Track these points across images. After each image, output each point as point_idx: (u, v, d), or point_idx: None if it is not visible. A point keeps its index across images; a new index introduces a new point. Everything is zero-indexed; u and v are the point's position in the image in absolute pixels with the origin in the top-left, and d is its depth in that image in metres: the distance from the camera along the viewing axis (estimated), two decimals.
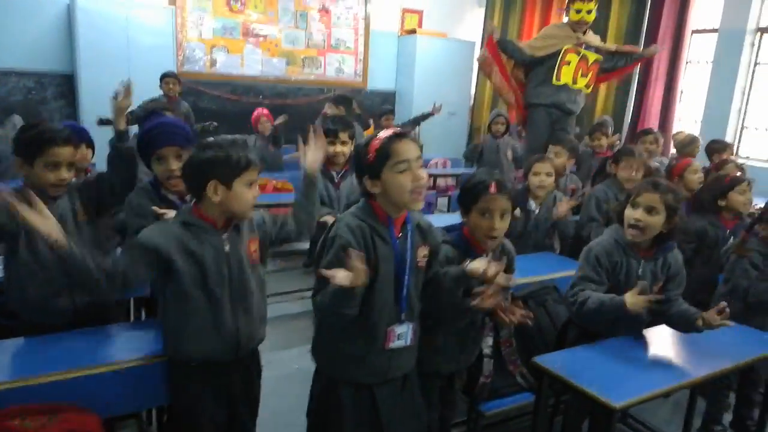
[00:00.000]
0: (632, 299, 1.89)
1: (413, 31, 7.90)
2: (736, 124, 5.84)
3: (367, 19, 7.80)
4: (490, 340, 2.18)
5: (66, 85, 6.08)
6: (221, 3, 6.79)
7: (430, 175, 5.79)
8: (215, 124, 5.37)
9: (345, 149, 3.03)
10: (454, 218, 2.36)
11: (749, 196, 2.74)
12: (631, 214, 2.02)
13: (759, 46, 5.65)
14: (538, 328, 2.32)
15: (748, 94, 5.76)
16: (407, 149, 1.57)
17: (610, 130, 4.69)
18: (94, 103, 5.85)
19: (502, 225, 1.79)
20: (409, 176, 1.55)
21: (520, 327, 2.25)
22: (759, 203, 4.50)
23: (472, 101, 8.70)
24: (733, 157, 4.35)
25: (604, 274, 2.06)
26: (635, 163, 3.03)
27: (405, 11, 8.09)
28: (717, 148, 4.33)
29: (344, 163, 3.11)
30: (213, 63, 6.90)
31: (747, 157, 5.77)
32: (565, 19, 4.12)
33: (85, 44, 5.73)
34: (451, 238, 1.88)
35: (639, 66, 4.67)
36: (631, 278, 2.07)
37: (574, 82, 3.84)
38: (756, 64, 5.69)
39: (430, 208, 4.24)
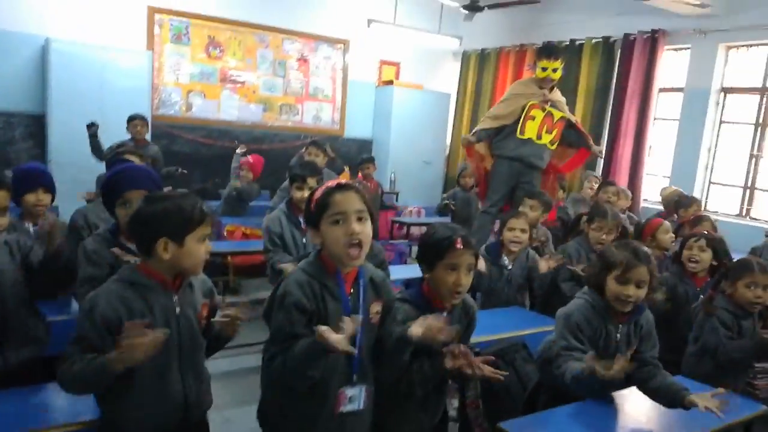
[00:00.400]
0: (610, 372, 1.78)
1: (390, 82, 8.03)
2: (704, 180, 5.97)
3: (345, 69, 7.92)
4: (455, 402, 2.09)
5: (35, 125, 5.98)
6: (199, 49, 6.84)
7: (404, 224, 5.76)
8: (184, 171, 5.28)
9: None
10: None
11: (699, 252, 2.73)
12: (622, 290, 1.95)
13: (723, 105, 5.85)
14: (506, 389, 2.24)
15: (714, 151, 5.92)
16: (345, 201, 1.52)
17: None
18: (63, 144, 5.76)
19: (467, 280, 1.74)
20: (342, 229, 1.49)
21: (488, 388, 2.19)
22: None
23: (447, 151, 8.80)
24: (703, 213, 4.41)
25: (586, 342, 1.99)
26: (606, 226, 3.00)
27: (383, 63, 8.24)
28: (685, 203, 4.39)
29: None
30: (189, 107, 6.89)
31: (716, 212, 5.88)
32: (531, 75, 4.22)
33: (58, 85, 5.67)
34: (409, 296, 1.81)
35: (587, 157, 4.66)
36: (610, 343, 2.00)
37: (539, 137, 3.87)
38: (721, 122, 5.88)
39: (402, 257, 4.18)
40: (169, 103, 6.77)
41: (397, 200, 7.56)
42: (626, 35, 6.32)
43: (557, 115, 3.94)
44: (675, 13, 5.63)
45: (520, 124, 3.84)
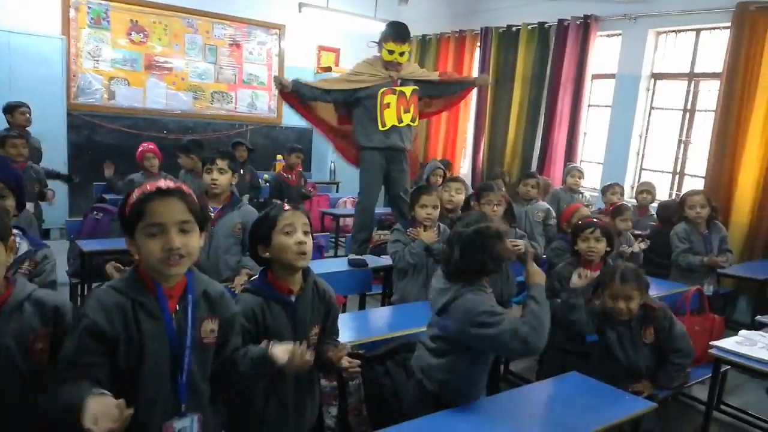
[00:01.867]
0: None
1: (329, 69, 7.81)
2: (635, 166, 5.99)
3: (281, 55, 7.67)
4: (334, 410, 1.95)
5: None
6: (121, 34, 6.48)
7: (334, 216, 5.57)
8: (76, 179, 5.06)
9: (223, 179, 2.84)
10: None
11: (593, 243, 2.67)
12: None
13: (653, 92, 5.87)
14: (394, 392, 2.11)
15: (645, 137, 5.94)
16: (165, 211, 1.32)
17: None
18: None
19: (308, 239, 1.71)
20: (159, 243, 1.30)
21: (373, 392, 2.05)
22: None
23: None
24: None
25: None
26: (495, 198, 3.03)
27: (321, 49, 8.01)
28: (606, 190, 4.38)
29: (223, 196, 2.87)
30: (111, 95, 6.53)
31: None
32: (376, 54, 3.98)
33: None
34: (253, 286, 1.71)
35: (470, 93, 4.65)
36: None
37: (400, 121, 3.80)
38: (651, 108, 5.90)
39: (320, 251, 4.00)
40: (88, 91, 6.41)
41: (337, 191, 7.39)
42: (560, 21, 6.26)
43: (408, 91, 3.82)
44: None
45: (378, 116, 3.73)
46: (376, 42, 3.80)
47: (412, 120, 3.88)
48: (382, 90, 3.72)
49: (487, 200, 3.00)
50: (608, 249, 2.64)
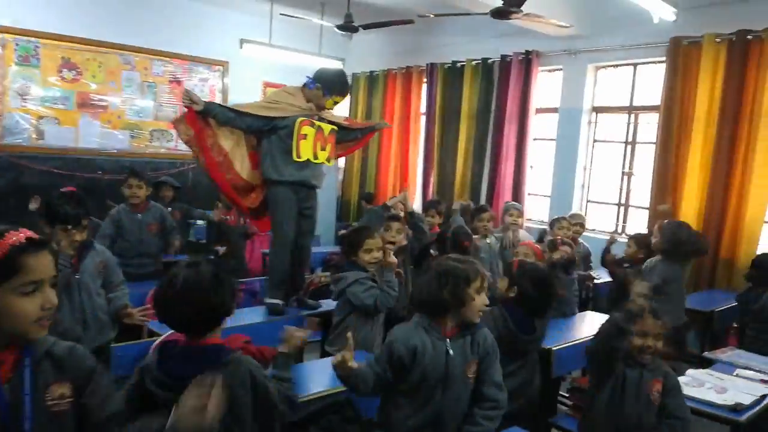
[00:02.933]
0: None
1: None
2: (581, 198, 6.01)
3: (225, 91, 7.49)
4: None
5: None
6: (51, 71, 6.19)
7: None
8: None
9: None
10: None
11: None
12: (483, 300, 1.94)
13: (596, 124, 5.93)
14: None
15: (590, 170, 5.98)
16: (42, 264, 1.17)
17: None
18: None
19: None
20: (38, 301, 1.17)
21: None
22: (602, 275, 4.54)
23: (341, 175, 8.52)
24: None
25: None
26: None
27: (267, 84, 7.87)
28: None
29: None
30: (40, 135, 6.19)
31: (593, 230, 5.91)
32: (296, 85, 3.61)
33: None
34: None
35: (374, 136, 4.67)
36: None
37: (315, 157, 3.45)
38: (594, 141, 5.95)
39: (254, 297, 3.76)
40: (15, 131, 6.05)
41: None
42: (503, 56, 6.32)
43: (327, 128, 3.49)
44: (546, 34, 5.67)
45: (294, 147, 3.36)
46: (310, 78, 3.55)
47: (327, 160, 3.56)
48: (300, 119, 3.35)
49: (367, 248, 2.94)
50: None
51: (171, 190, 5.12)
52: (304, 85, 3.48)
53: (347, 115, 8.30)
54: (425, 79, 7.29)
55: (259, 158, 3.43)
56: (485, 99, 6.55)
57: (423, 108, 7.41)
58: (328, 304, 3.37)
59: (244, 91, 7.59)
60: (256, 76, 7.73)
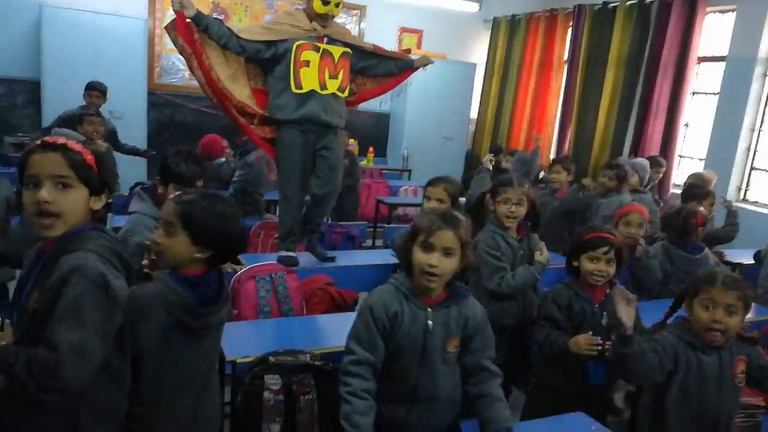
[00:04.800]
0: None
1: (408, 51, 7.48)
2: (744, 165, 5.15)
3: (361, 36, 7.48)
4: (276, 427, 1.72)
5: (35, 92, 5.98)
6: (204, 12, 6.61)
7: (392, 205, 5.29)
8: (153, 152, 5.13)
9: None
10: None
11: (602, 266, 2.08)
12: (425, 259, 1.55)
13: None
14: None
15: (759, 132, 5.08)
16: (42, 162, 1.27)
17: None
18: (58, 112, 5.73)
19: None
20: (33, 195, 1.26)
21: (331, 410, 1.80)
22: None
23: (473, 126, 8.22)
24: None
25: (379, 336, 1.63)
26: (515, 195, 2.38)
27: (403, 30, 7.73)
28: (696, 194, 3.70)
29: None
30: (191, 76, 6.69)
31: (756, 202, 5.07)
32: (297, 6, 3.05)
33: (50, 52, 5.61)
34: None
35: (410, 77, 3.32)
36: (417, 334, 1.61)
37: (323, 87, 2.86)
38: None
39: (353, 242, 3.72)
40: (171, 71, 6.62)
41: (410, 178, 7.14)
42: None
43: (337, 52, 2.90)
44: None
45: (292, 76, 2.81)
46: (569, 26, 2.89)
47: (341, 89, 2.94)
48: (298, 43, 2.81)
49: (505, 198, 2.39)
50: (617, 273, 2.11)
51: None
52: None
53: (489, 63, 7.90)
54: (571, 23, 6.63)
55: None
56: (638, 45, 5.79)
57: (566, 56, 6.79)
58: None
59: (381, 37, 7.54)
60: (393, 22, 7.62)
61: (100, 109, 4.67)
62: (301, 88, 2.84)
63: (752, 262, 3.56)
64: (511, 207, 2.38)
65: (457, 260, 1.57)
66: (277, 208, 3.23)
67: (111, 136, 4.56)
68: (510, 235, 2.43)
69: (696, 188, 3.76)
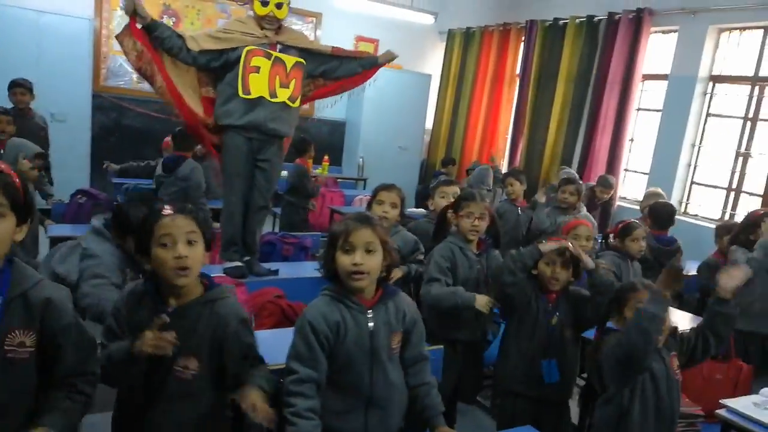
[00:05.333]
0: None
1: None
2: (685, 179, 5.37)
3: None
4: None
5: None
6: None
7: (342, 214, 5.25)
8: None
9: None
10: None
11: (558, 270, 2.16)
12: (348, 260, 1.53)
13: (711, 96, 5.22)
14: None
15: (699, 147, 5.30)
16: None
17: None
18: None
19: (193, 251, 1.48)
20: None
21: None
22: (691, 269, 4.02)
23: (428, 137, 8.28)
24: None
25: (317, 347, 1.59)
26: (477, 209, 2.40)
27: (359, 39, 7.74)
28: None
29: None
30: (141, 79, 6.49)
31: (695, 215, 5.29)
32: (249, 13, 2.95)
33: None
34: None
35: (375, 75, 3.25)
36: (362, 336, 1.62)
37: (273, 95, 2.81)
38: (708, 115, 5.26)
39: (304, 253, 3.69)
40: (118, 74, 6.40)
41: (365, 187, 7.11)
42: (611, 14, 5.70)
43: (290, 61, 2.84)
44: None
45: (240, 81, 2.74)
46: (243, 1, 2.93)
47: (291, 99, 2.88)
48: (248, 48, 2.76)
49: (467, 212, 2.40)
50: (572, 279, 2.19)
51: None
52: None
53: (444, 74, 7.97)
54: (523, 38, 6.79)
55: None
56: (587, 62, 5.98)
57: (518, 70, 6.95)
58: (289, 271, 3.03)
59: (336, 44, 7.52)
60: (349, 30, 7.61)
61: (32, 108, 4.39)
62: (249, 94, 2.78)
63: (694, 273, 3.71)
64: (473, 221, 2.39)
65: (380, 257, 1.56)
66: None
67: (36, 137, 4.22)
68: (470, 249, 2.44)
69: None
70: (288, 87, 2.86)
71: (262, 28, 2.86)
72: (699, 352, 1.96)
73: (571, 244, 2.15)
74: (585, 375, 2.64)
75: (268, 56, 2.81)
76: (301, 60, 2.91)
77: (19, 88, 4.22)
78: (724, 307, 1.89)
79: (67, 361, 1.26)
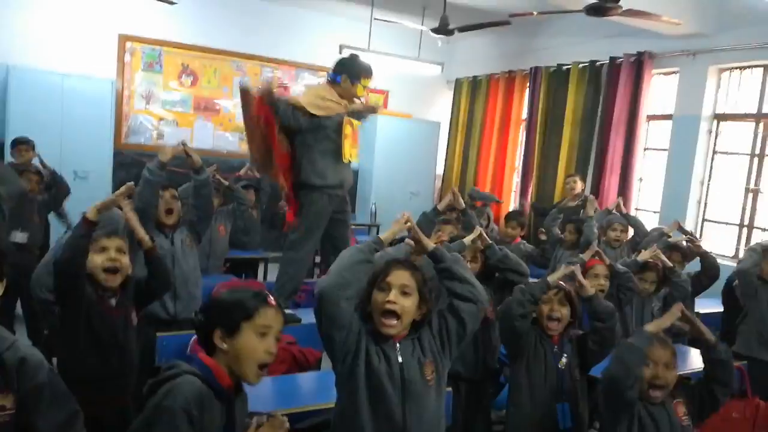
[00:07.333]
0: None
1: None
2: (696, 216, 5.37)
3: None
4: None
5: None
6: (172, 77, 6.75)
7: None
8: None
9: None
10: None
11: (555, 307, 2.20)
12: (382, 298, 1.59)
13: (716, 134, 5.28)
14: None
15: (708, 184, 5.33)
16: None
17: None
18: None
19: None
20: None
21: None
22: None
23: (439, 182, 8.40)
24: None
25: None
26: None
27: (369, 90, 7.96)
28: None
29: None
30: (161, 135, 6.77)
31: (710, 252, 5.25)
32: (321, 81, 3.45)
33: (16, 112, 5.62)
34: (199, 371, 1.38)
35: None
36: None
37: (351, 156, 3.29)
38: (714, 152, 5.30)
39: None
40: (139, 131, 6.67)
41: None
42: (612, 59, 5.85)
43: (356, 125, 3.32)
44: (660, 33, 5.16)
45: (341, 148, 3.17)
46: (332, 73, 3.23)
47: (353, 156, 3.34)
48: (346, 118, 3.18)
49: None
50: (571, 320, 2.21)
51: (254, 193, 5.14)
52: (330, 81, 3.29)
53: (453, 121, 8.18)
54: (528, 84, 6.97)
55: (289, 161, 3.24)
56: (591, 104, 6.10)
57: (525, 114, 7.10)
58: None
59: None
60: None
61: (37, 163, 4.51)
62: (344, 158, 3.21)
63: (714, 310, 3.73)
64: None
65: (415, 300, 1.60)
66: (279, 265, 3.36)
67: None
68: None
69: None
70: (356, 147, 3.33)
71: (342, 98, 3.24)
72: (708, 403, 1.95)
73: (575, 269, 2.19)
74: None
75: (351, 124, 3.23)
76: (359, 123, 3.38)
77: (23, 145, 4.45)
78: (713, 353, 1.90)
79: (46, 421, 1.26)
